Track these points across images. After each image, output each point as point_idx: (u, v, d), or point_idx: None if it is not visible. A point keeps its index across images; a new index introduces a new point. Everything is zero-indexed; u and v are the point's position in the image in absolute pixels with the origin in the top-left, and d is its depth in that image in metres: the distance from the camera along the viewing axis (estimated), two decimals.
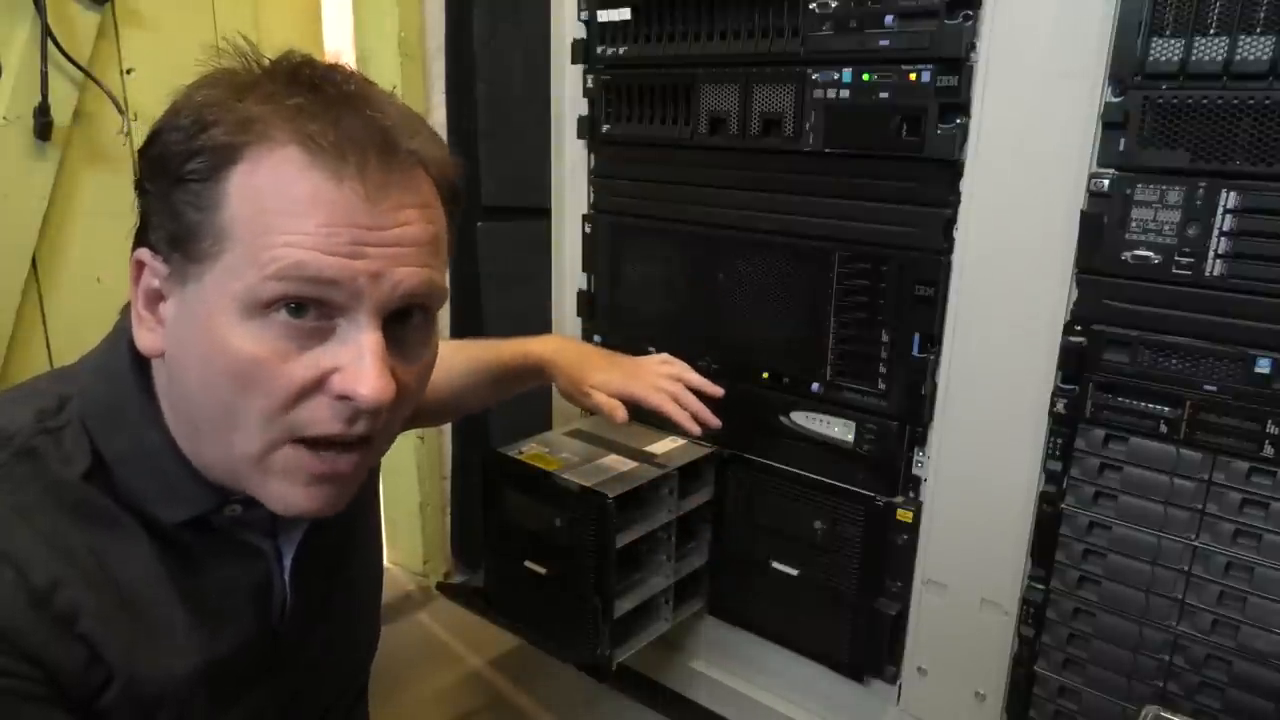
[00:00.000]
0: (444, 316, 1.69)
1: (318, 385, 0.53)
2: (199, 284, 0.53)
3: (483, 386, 1.07)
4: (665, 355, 1.19)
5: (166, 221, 0.54)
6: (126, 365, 0.59)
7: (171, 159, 0.53)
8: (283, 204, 0.51)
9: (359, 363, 0.52)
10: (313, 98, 0.52)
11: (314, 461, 0.55)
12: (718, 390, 1.14)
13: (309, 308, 0.52)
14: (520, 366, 1.09)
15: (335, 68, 0.56)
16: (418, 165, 0.55)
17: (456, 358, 1.05)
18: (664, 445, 1.27)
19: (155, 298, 0.56)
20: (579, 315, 1.41)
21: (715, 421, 1.11)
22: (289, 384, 0.52)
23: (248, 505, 0.61)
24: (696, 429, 1.10)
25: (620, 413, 1.06)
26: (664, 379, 1.12)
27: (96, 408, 0.58)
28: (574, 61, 1.30)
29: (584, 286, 1.39)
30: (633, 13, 1.21)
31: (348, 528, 0.72)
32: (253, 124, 0.51)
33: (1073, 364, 0.94)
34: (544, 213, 1.43)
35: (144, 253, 0.56)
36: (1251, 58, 0.80)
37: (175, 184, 0.52)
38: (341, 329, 0.53)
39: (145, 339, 0.57)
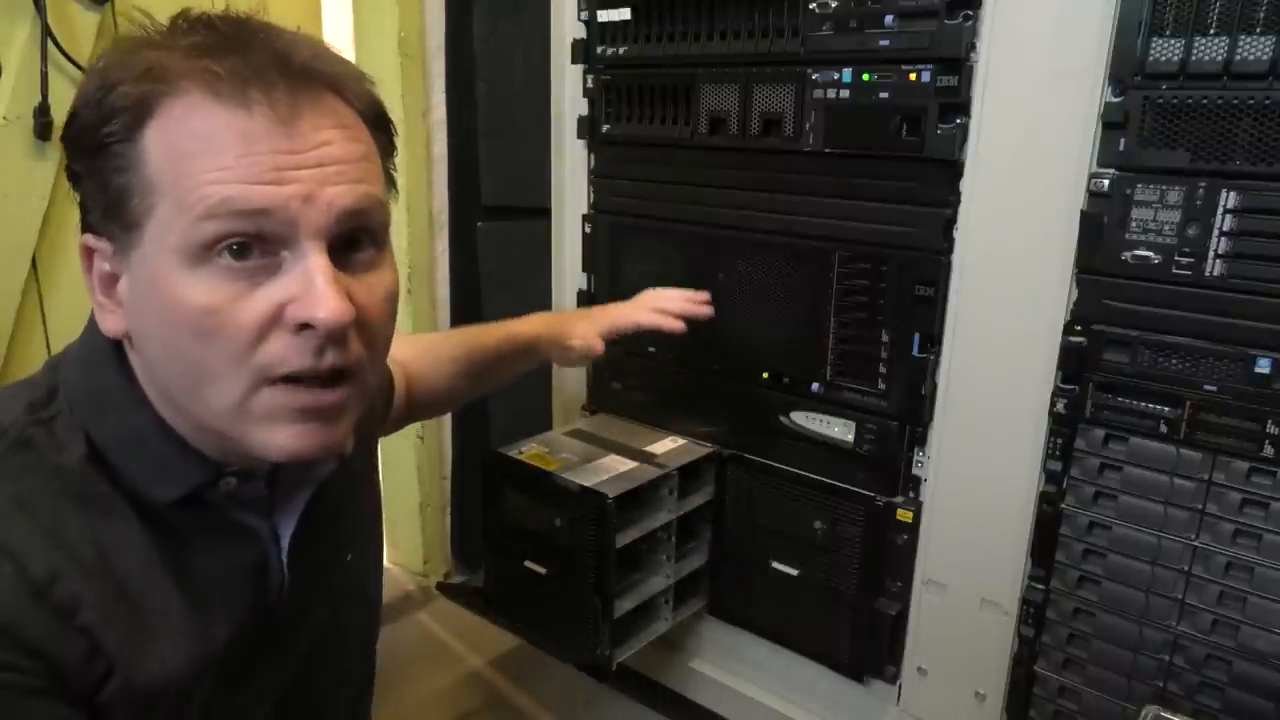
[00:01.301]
0: (444, 316, 1.70)
1: (275, 320, 0.52)
2: (140, 249, 0.53)
3: (475, 373, 1.08)
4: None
5: (98, 195, 0.54)
6: (104, 350, 0.59)
7: (89, 129, 0.53)
8: (198, 144, 0.51)
9: (310, 288, 0.52)
10: (209, 34, 0.53)
11: (296, 396, 0.54)
12: (703, 294, 1.17)
13: (251, 246, 0.51)
14: (510, 349, 1.10)
15: (234, 12, 0.56)
16: (328, 88, 0.54)
17: (444, 347, 1.06)
18: (664, 445, 1.27)
19: (109, 281, 0.56)
20: None
21: (702, 311, 1.15)
22: (245, 322, 0.52)
23: (242, 480, 0.60)
24: (679, 325, 1.12)
25: (597, 345, 1.11)
26: (641, 299, 1.16)
27: (81, 395, 0.59)
28: (574, 61, 1.30)
29: (584, 286, 1.39)
30: (633, 13, 1.21)
31: (345, 509, 0.72)
32: (154, 70, 0.51)
33: (1073, 364, 0.94)
34: (544, 213, 1.43)
35: (88, 237, 0.56)
36: (1251, 58, 0.80)
37: (97, 152, 0.53)
38: (288, 261, 0.53)
39: (107, 322, 0.57)
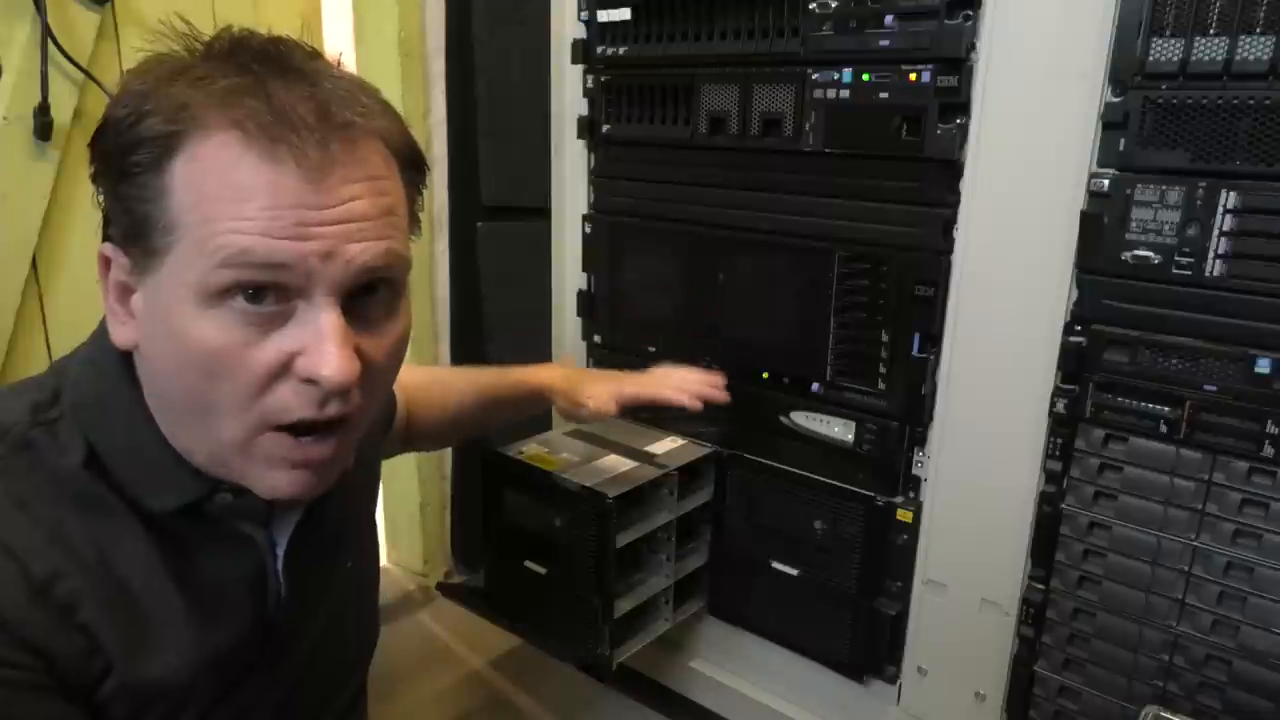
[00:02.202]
0: (443, 316, 1.70)
1: (283, 369, 0.53)
2: (157, 276, 0.53)
3: (484, 411, 1.10)
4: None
5: (120, 216, 0.54)
6: (112, 358, 0.59)
7: (115, 152, 0.53)
8: (223, 191, 0.51)
9: (319, 345, 0.52)
10: (245, 78, 0.52)
11: (294, 448, 0.56)
12: (718, 379, 1.17)
13: (266, 293, 0.52)
14: (522, 393, 1.11)
15: (276, 41, 0.55)
16: (361, 136, 0.54)
17: (458, 383, 1.08)
18: (664, 445, 1.27)
19: (125, 291, 0.56)
20: (579, 315, 1.40)
21: (719, 396, 1.15)
22: (254, 370, 0.53)
23: (238, 493, 0.61)
24: (697, 404, 1.13)
25: (611, 408, 1.10)
26: (657, 374, 1.16)
27: (85, 399, 0.59)
28: (574, 61, 1.30)
29: (584, 286, 1.39)
30: (633, 13, 1.21)
31: (342, 520, 0.72)
32: (186, 110, 0.51)
33: (1073, 364, 0.94)
34: (544, 213, 1.43)
35: (107, 247, 0.56)
36: (1251, 58, 0.80)
37: (121, 178, 0.53)
38: (300, 311, 0.53)
39: (119, 332, 0.57)
